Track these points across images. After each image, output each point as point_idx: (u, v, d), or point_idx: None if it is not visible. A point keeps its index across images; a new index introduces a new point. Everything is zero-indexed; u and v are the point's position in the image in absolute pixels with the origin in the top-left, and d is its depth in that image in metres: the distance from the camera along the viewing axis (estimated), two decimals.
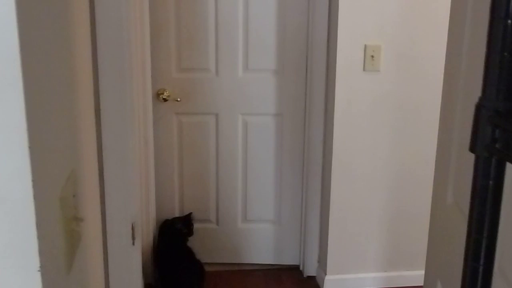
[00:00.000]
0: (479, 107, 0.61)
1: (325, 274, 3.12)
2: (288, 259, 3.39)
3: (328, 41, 2.96)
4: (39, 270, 0.78)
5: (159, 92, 3.10)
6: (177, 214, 3.28)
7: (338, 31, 2.80)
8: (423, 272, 1.65)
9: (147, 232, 3.00)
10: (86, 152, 1.31)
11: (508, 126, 0.59)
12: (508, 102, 0.60)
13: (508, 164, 0.62)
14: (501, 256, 1.20)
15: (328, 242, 3.07)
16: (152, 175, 3.08)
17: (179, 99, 3.13)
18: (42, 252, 0.79)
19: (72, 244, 1.01)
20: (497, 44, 0.58)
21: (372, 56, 2.83)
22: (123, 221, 1.54)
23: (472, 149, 0.63)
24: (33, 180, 0.75)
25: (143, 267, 2.90)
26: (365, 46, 2.83)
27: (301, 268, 3.35)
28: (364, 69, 2.85)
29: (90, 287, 1.26)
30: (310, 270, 3.29)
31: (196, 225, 3.24)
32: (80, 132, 1.21)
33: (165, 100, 3.10)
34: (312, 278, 3.27)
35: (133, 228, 1.58)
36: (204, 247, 3.32)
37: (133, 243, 1.59)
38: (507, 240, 1.17)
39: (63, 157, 1.00)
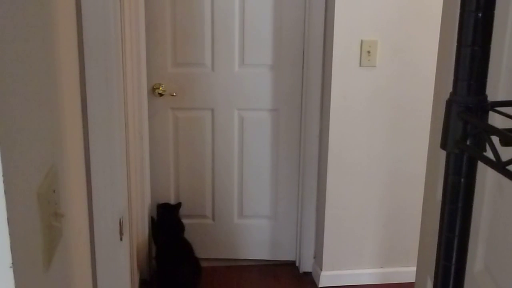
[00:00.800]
0: (449, 103, 0.59)
1: (321, 270, 3.12)
2: (284, 255, 3.38)
3: (324, 36, 2.94)
4: (11, 267, 0.77)
5: (154, 87, 3.09)
6: None
7: (335, 26, 2.79)
8: None
9: (142, 228, 2.99)
10: (71, 146, 1.30)
11: (478, 123, 0.58)
12: (479, 98, 0.58)
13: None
14: (486, 254, 1.19)
15: (324, 238, 3.07)
16: (147, 170, 3.06)
17: (174, 94, 3.12)
18: (14, 249, 0.77)
19: (51, 240, 1.00)
20: (468, 38, 0.56)
21: (369, 52, 2.81)
22: (110, 216, 1.53)
23: (443, 145, 0.62)
24: (4, 175, 0.74)
25: (138, 263, 2.90)
26: (362, 42, 2.81)
27: (297, 264, 3.34)
28: (360, 65, 2.84)
29: (73, 284, 1.24)
30: (306, 266, 3.28)
31: (192, 221, 3.26)
32: (63, 126, 1.20)
33: (160, 95, 3.09)
34: (308, 274, 3.27)
35: (121, 224, 1.57)
36: (200, 242, 3.31)
37: (121, 239, 1.58)
38: (492, 238, 1.16)
39: (42, 152, 0.98)
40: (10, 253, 0.77)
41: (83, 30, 1.38)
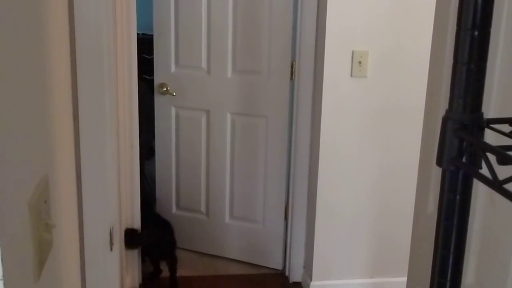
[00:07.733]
0: (445, 120, 0.60)
1: (311, 280, 3.11)
2: (273, 263, 3.39)
3: (316, 46, 2.95)
4: (1, 279, 0.76)
5: (161, 86, 3.34)
6: (174, 201, 3.53)
7: (326, 36, 2.80)
8: None
9: None
10: (62, 157, 1.29)
11: (473, 140, 0.58)
12: (474, 115, 0.59)
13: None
14: (478, 266, 1.19)
15: (314, 248, 3.06)
16: (137, 179, 3.04)
17: (174, 94, 3.31)
18: (5, 260, 0.76)
19: (42, 251, 0.99)
20: (464, 56, 0.57)
21: (360, 62, 2.82)
22: (101, 226, 1.52)
23: (438, 162, 0.62)
24: None
25: (127, 272, 2.88)
26: (353, 52, 2.82)
27: (286, 274, 3.33)
28: (351, 75, 2.85)
29: None
30: (296, 275, 3.27)
31: (188, 214, 3.48)
32: (54, 136, 1.19)
33: (163, 94, 3.32)
34: (297, 284, 3.26)
35: (111, 234, 1.56)
36: (194, 236, 3.46)
37: (111, 249, 1.57)
38: (483, 251, 1.16)
39: (33, 162, 0.98)
40: (0, 265, 0.76)
41: (76, 40, 1.38)
